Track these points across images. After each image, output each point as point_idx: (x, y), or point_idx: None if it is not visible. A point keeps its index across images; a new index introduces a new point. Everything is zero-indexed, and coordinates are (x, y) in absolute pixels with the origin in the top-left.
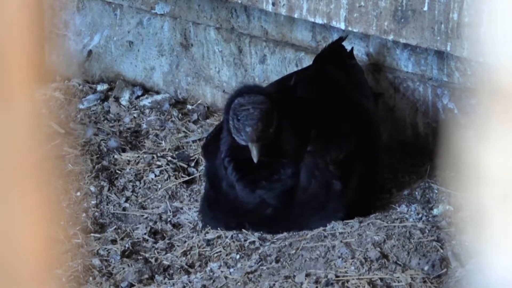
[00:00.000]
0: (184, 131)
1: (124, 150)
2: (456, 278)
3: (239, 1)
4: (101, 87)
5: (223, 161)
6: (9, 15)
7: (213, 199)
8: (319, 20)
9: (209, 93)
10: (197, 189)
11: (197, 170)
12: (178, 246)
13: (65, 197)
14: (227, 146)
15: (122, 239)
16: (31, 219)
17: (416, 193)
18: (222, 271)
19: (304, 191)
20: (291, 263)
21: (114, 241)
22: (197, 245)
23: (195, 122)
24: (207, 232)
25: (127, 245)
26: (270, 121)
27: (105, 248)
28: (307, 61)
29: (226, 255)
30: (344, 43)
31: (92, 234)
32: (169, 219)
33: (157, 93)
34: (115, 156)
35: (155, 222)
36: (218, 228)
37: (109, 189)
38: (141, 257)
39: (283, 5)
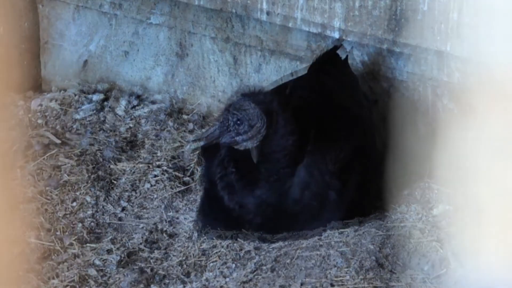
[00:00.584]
0: (179, 141)
1: (120, 160)
2: (456, 278)
3: (234, 11)
4: (97, 97)
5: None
6: None
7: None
8: (313, 30)
9: (204, 102)
10: (192, 199)
11: (192, 179)
12: (174, 255)
13: (61, 207)
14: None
15: (118, 248)
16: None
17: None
18: (218, 281)
19: (296, 203)
20: (286, 272)
21: (110, 251)
22: (193, 254)
23: (191, 132)
24: (203, 242)
25: (123, 255)
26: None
27: (101, 258)
28: (302, 70)
29: (222, 264)
30: (338, 52)
31: (88, 244)
32: (165, 229)
33: (153, 103)
34: (111, 166)
35: (151, 232)
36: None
37: (105, 199)
38: (137, 267)
39: (278, 14)
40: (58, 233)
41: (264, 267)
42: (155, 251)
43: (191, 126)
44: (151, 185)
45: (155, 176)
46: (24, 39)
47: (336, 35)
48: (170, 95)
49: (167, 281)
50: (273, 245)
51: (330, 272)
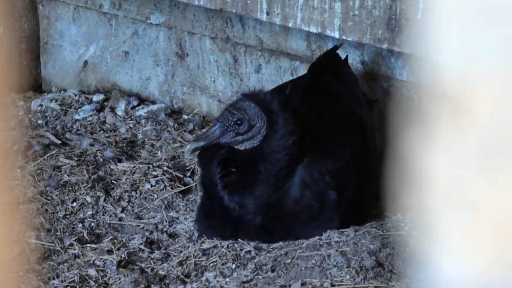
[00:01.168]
0: (180, 141)
1: (120, 160)
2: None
3: (234, 11)
4: (97, 97)
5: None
6: None
7: (208, 207)
8: (313, 29)
9: (204, 102)
10: (193, 199)
11: (193, 180)
12: (174, 256)
13: (62, 208)
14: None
15: (118, 249)
16: None
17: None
18: (218, 281)
19: (296, 203)
20: (286, 272)
21: (110, 251)
22: (193, 255)
23: (191, 132)
24: (203, 242)
25: (123, 255)
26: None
27: (101, 259)
28: (302, 70)
29: (222, 264)
30: (338, 52)
31: (88, 245)
32: (165, 229)
33: (153, 103)
34: (111, 167)
35: (151, 232)
36: (214, 238)
37: (105, 200)
38: (137, 267)
39: (278, 14)
40: (58, 233)
41: (264, 267)
42: (155, 251)
43: (191, 126)
44: (151, 185)
45: (155, 176)
46: (24, 39)
47: (336, 35)
48: (170, 95)
49: (167, 281)
50: (273, 245)
51: (330, 272)
